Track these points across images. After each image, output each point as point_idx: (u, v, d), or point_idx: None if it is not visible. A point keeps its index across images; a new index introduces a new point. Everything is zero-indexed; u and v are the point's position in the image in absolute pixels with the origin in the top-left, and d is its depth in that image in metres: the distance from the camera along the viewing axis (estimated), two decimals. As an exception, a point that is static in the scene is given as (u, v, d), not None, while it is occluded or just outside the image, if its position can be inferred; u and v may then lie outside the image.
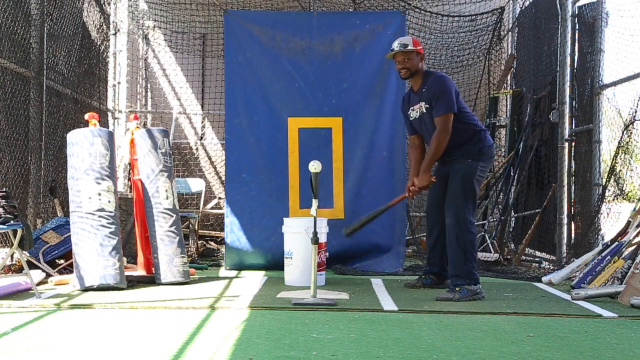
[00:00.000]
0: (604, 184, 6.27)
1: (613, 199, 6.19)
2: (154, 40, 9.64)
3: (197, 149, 9.76)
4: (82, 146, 5.13)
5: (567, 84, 7.06)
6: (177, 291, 5.09)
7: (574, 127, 7.04)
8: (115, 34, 8.78)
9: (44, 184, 6.60)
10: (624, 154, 6.05)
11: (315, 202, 4.74)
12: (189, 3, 8.91)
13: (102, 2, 8.43)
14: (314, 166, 4.72)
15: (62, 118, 7.16)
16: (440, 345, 3.46)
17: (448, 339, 3.62)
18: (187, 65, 9.65)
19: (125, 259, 5.57)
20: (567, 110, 7.07)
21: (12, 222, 4.74)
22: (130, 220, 6.42)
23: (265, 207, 6.57)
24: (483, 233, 7.95)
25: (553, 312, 4.46)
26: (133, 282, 5.35)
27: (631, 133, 5.95)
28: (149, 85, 9.84)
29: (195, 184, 8.79)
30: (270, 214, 6.51)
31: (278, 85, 6.66)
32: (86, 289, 4.99)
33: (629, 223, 5.49)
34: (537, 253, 7.63)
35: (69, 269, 5.63)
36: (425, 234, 5.68)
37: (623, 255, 5.21)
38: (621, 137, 6.05)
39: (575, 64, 7.08)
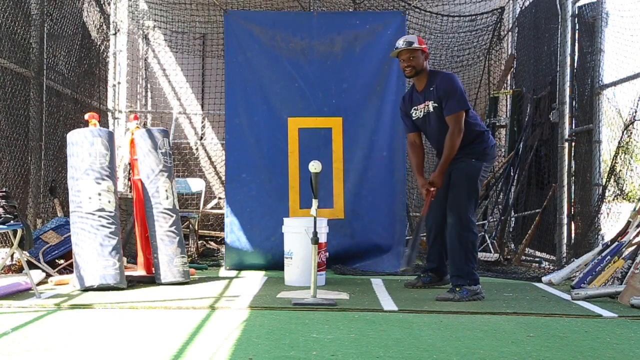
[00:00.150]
0: (604, 184, 6.27)
1: (613, 199, 6.19)
2: (154, 40, 9.63)
3: (197, 149, 9.76)
4: (82, 146, 5.13)
5: (567, 84, 7.06)
6: (177, 291, 5.09)
7: (574, 127, 7.04)
8: (115, 34, 8.78)
9: (44, 184, 6.60)
10: (624, 154, 6.05)
11: (315, 202, 4.74)
12: (189, 3, 8.91)
13: (102, 2, 8.43)
14: (314, 166, 4.72)
15: (62, 118, 7.16)
16: (440, 345, 3.46)
17: (448, 339, 3.62)
18: (187, 65, 9.65)
19: (125, 259, 5.57)
20: (567, 110, 7.07)
21: (12, 222, 4.74)
22: (130, 220, 6.42)
23: (265, 207, 6.57)
24: (483, 233, 7.95)
25: (553, 312, 4.46)
26: (133, 282, 5.35)
27: (631, 133, 5.95)
28: (149, 85, 9.84)
29: (195, 184, 8.79)
30: (270, 214, 6.51)
31: (278, 85, 6.66)
32: (86, 289, 4.99)
33: (629, 223, 5.49)
34: (537, 253, 7.63)
35: (69, 269, 5.63)
36: (425, 234, 5.68)
37: (623, 255, 5.21)
38: (621, 137, 6.05)
39: (575, 64, 7.08)
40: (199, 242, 7.86)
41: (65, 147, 5.32)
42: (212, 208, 9.32)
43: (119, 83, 8.92)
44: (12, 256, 5.49)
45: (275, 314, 4.26)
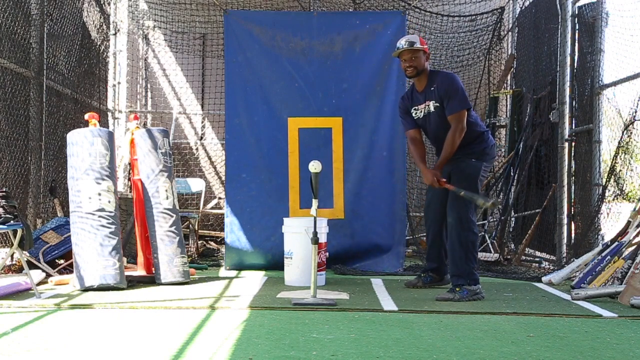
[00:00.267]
0: (604, 184, 6.27)
1: (613, 199, 6.19)
2: (154, 40, 9.64)
3: (197, 149, 9.76)
4: (82, 146, 5.13)
5: (567, 84, 7.06)
6: (177, 291, 5.09)
7: (574, 127, 7.04)
8: (115, 34, 8.78)
9: (44, 184, 6.61)
10: (624, 154, 6.05)
11: (315, 202, 4.74)
12: (189, 3, 8.91)
13: (102, 2, 8.43)
14: (314, 166, 4.72)
15: (62, 118, 7.16)
16: (440, 345, 3.46)
17: (448, 339, 3.62)
18: (187, 65, 9.65)
19: (125, 259, 5.57)
20: (567, 110, 7.07)
21: (12, 222, 4.74)
22: (130, 220, 6.42)
23: (265, 207, 6.57)
24: (483, 233, 7.95)
25: (553, 312, 4.46)
26: (133, 282, 5.35)
27: (631, 133, 5.95)
28: (149, 85, 9.84)
29: (195, 184, 8.79)
30: (270, 214, 6.51)
31: (278, 85, 6.66)
32: (86, 289, 4.99)
33: (629, 223, 5.49)
34: (537, 253, 7.63)
35: (69, 269, 5.63)
36: (424, 234, 5.68)
37: (623, 255, 5.21)
38: (621, 137, 6.05)
39: (575, 64, 7.08)
40: (199, 242, 7.85)
41: (65, 147, 5.32)
42: (212, 208, 9.32)
43: (119, 83, 8.92)
44: (12, 256, 5.49)
45: (275, 314, 4.26)
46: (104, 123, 8.21)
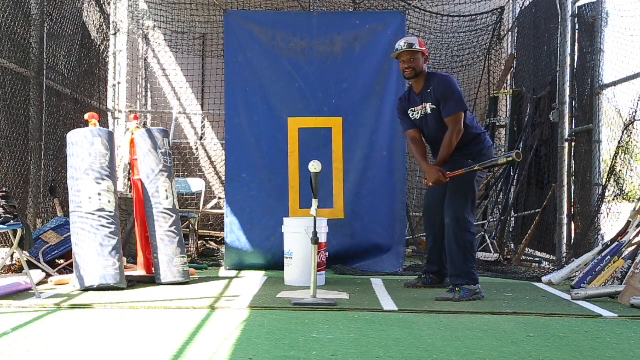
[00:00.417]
0: (604, 184, 6.27)
1: (613, 199, 6.19)
2: (154, 40, 9.64)
3: (197, 149, 9.76)
4: (82, 146, 5.13)
5: (567, 84, 7.06)
6: (177, 291, 5.09)
7: (574, 127, 7.04)
8: (115, 34, 8.78)
9: (44, 184, 6.61)
10: (624, 154, 6.05)
11: (315, 202, 4.74)
12: (189, 3, 8.91)
13: (102, 2, 8.43)
14: (314, 166, 4.72)
15: (62, 118, 7.16)
16: (440, 345, 3.46)
17: (448, 339, 3.62)
18: (187, 65, 9.65)
19: (125, 259, 5.57)
20: (567, 110, 7.06)
21: (12, 222, 4.74)
22: (130, 220, 6.42)
23: (265, 207, 6.57)
24: (483, 233, 7.95)
25: (553, 312, 4.46)
26: (133, 282, 5.35)
27: (631, 133, 5.95)
28: (149, 85, 9.84)
29: (195, 184, 8.79)
30: (270, 214, 6.51)
31: (278, 85, 6.66)
32: (86, 289, 4.99)
33: (629, 223, 5.49)
34: (537, 253, 7.63)
35: (69, 269, 5.63)
36: (424, 234, 5.69)
37: (623, 255, 5.21)
38: (621, 137, 6.05)
39: (575, 64, 7.08)
40: (199, 242, 7.85)
41: (65, 147, 5.32)
42: (212, 208, 9.32)
43: (119, 83, 8.92)
44: (12, 256, 5.49)
45: (275, 314, 4.27)
46: (104, 123, 8.21)
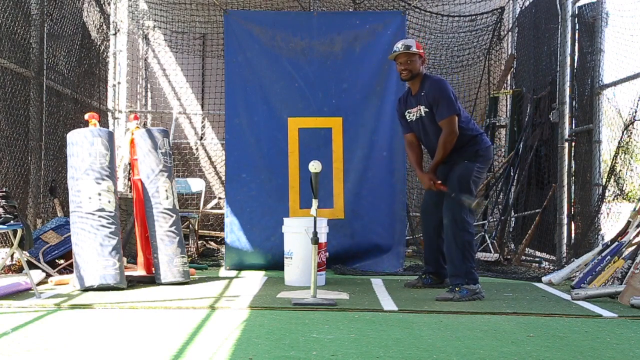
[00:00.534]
0: (604, 184, 6.27)
1: (613, 199, 6.19)
2: (154, 40, 9.63)
3: (197, 149, 9.76)
4: (82, 146, 5.13)
5: (567, 84, 7.06)
6: (177, 291, 5.09)
7: (574, 127, 7.04)
8: (115, 34, 8.78)
9: (44, 184, 6.60)
10: (624, 154, 6.05)
11: (315, 202, 4.74)
12: (189, 3, 8.91)
13: (102, 2, 8.43)
14: (314, 166, 4.72)
15: (62, 118, 7.16)
16: (440, 345, 3.46)
17: (448, 339, 3.62)
18: (187, 65, 9.65)
19: (125, 259, 5.56)
20: (567, 110, 7.06)
21: (12, 222, 4.74)
22: (130, 220, 6.42)
23: (265, 207, 6.57)
24: (483, 233, 7.95)
25: (553, 312, 4.46)
26: (133, 282, 5.35)
27: (631, 133, 5.95)
28: (149, 85, 9.84)
29: (195, 184, 8.79)
30: (270, 214, 6.51)
31: (278, 85, 6.66)
32: (86, 289, 4.99)
33: (629, 223, 5.49)
34: (537, 253, 7.62)
35: (69, 269, 5.63)
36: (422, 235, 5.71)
37: (623, 255, 5.21)
38: (621, 137, 6.05)
39: (575, 64, 7.08)
40: (199, 242, 7.85)
41: (65, 147, 5.32)
42: (212, 208, 9.32)
43: (119, 83, 8.92)
44: (12, 256, 5.49)
45: (275, 314, 4.27)
46: (104, 123, 8.21)
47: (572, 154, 7.05)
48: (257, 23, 6.75)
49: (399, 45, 5.24)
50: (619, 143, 6.07)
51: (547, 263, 7.07)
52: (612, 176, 6.12)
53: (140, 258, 5.70)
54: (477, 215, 7.92)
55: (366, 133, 6.65)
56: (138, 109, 9.51)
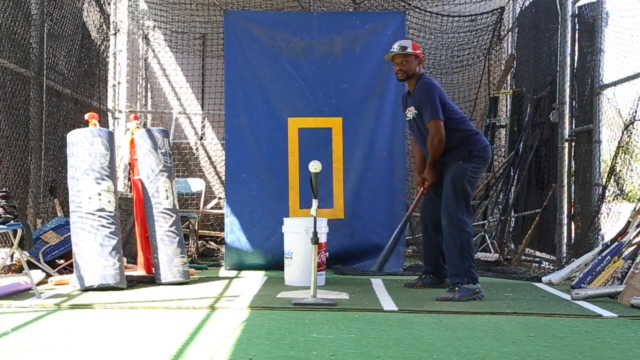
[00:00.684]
0: (604, 184, 6.26)
1: (613, 199, 6.19)
2: (154, 40, 9.63)
3: (197, 149, 9.76)
4: (82, 146, 5.13)
5: (567, 84, 7.06)
6: (177, 291, 5.09)
7: (574, 127, 7.04)
8: (115, 34, 8.78)
9: (44, 184, 6.60)
10: (624, 154, 6.05)
11: (315, 202, 4.74)
12: (189, 3, 8.91)
13: (102, 2, 8.43)
14: (314, 166, 4.72)
15: (62, 118, 7.16)
16: (440, 345, 3.46)
17: (448, 339, 3.62)
18: (187, 65, 9.65)
19: (125, 259, 5.56)
20: (567, 110, 7.06)
21: (12, 222, 4.74)
22: (130, 220, 6.42)
23: (265, 207, 6.57)
24: (483, 233, 7.94)
25: (553, 312, 4.46)
26: (133, 282, 5.35)
27: (631, 133, 5.95)
28: (149, 85, 9.84)
29: (195, 184, 8.79)
30: (270, 214, 6.51)
31: (278, 85, 6.66)
32: (86, 289, 4.99)
33: (629, 223, 5.49)
34: (537, 253, 7.62)
35: (69, 269, 5.63)
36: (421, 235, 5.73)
37: (623, 255, 5.21)
38: (621, 137, 6.05)
39: (575, 64, 7.08)
40: (199, 242, 7.85)
41: (65, 147, 5.32)
42: (212, 208, 9.32)
43: (119, 83, 8.92)
44: (12, 256, 5.49)
45: (275, 314, 4.26)
46: (104, 123, 8.21)
47: (572, 154, 7.05)
48: (257, 23, 6.75)
49: (395, 46, 5.29)
50: (619, 143, 6.06)
51: (547, 263, 7.07)
52: (612, 176, 6.12)
53: (140, 258, 5.70)
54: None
55: (366, 133, 6.65)
56: (138, 109, 9.51)
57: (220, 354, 3.21)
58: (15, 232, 4.76)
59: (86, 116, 5.42)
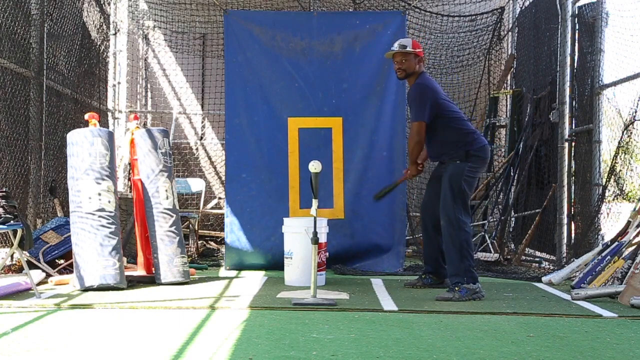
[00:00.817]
0: (604, 184, 6.26)
1: (613, 199, 6.19)
2: (154, 40, 9.63)
3: (197, 149, 9.76)
4: (82, 146, 5.13)
5: (567, 84, 7.06)
6: (177, 291, 5.09)
7: (574, 127, 7.04)
8: (115, 34, 8.78)
9: (44, 184, 6.60)
10: (624, 154, 6.05)
11: (315, 202, 4.74)
12: (189, 3, 8.91)
13: (102, 2, 8.43)
14: (314, 166, 4.73)
15: (62, 118, 7.16)
16: (440, 345, 3.46)
17: (448, 339, 3.62)
18: (187, 65, 9.65)
19: (125, 259, 5.56)
20: (567, 110, 7.06)
21: (12, 222, 4.74)
22: (130, 220, 6.42)
23: (265, 207, 6.57)
24: (483, 233, 7.94)
25: (553, 312, 4.46)
26: (133, 282, 5.35)
27: (631, 133, 5.95)
28: (149, 85, 9.84)
29: (195, 184, 8.79)
30: (270, 214, 6.51)
31: (278, 85, 6.66)
32: (86, 289, 4.99)
33: (629, 223, 5.49)
34: (537, 253, 7.62)
35: (69, 269, 5.63)
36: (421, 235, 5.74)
37: (623, 255, 5.21)
38: (621, 137, 6.05)
39: (575, 64, 7.08)
40: (199, 242, 7.85)
41: (65, 147, 5.32)
42: (212, 208, 9.32)
43: (119, 83, 8.92)
44: (12, 256, 5.49)
45: (275, 314, 4.27)
46: (104, 123, 8.21)
47: (572, 154, 7.05)
48: (257, 23, 6.75)
49: (395, 45, 5.33)
50: (619, 143, 6.06)
51: (547, 263, 7.07)
52: (612, 176, 6.12)
53: (140, 258, 5.70)
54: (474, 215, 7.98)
55: (366, 133, 6.65)
56: (138, 109, 9.51)
57: (220, 354, 3.21)
58: (15, 232, 4.76)
59: (86, 116, 5.42)
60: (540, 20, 8.03)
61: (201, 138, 9.78)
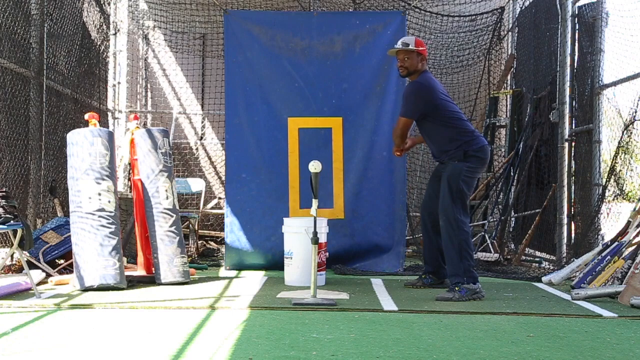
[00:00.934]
0: (604, 184, 6.26)
1: (613, 199, 6.19)
2: (154, 40, 9.63)
3: (197, 149, 9.76)
4: (82, 146, 5.13)
5: (567, 84, 7.06)
6: (177, 291, 5.09)
7: (574, 127, 7.04)
8: (115, 34, 8.78)
9: (44, 184, 6.60)
10: (624, 154, 6.05)
11: (315, 202, 4.74)
12: (189, 3, 8.91)
13: (102, 2, 8.43)
14: (314, 166, 4.73)
15: (62, 118, 7.15)
16: (440, 345, 3.46)
17: (448, 339, 3.62)
18: (187, 65, 9.65)
19: (125, 259, 5.56)
20: (567, 110, 7.06)
21: (12, 222, 4.74)
22: (130, 220, 6.42)
23: (265, 207, 6.57)
24: (483, 233, 7.94)
25: (553, 312, 4.46)
26: (133, 282, 5.35)
27: (631, 133, 5.95)
28: (149, 85, 9.84)
29: (195, 184, 8.79)
30: (270, 214, 6.51)
31: (278, 85, 6.66)
32: (86, 289, 4.99)
33: (629, 223, 5.49)
34: (537, 253, 7.63)
35: (69, 269, 5.63)
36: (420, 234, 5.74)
37: (623, 255, 5.21)
38: (621, 137, 6.05)
39: (575, 64, 7.08)
40: (199, 242, 7.85)
41: (65, 147, 5.32)
42: (212, 208, 9.32)
43: (119, 83, 8.92)
44: (12, 256, 5.49)
45: (275, 314, 4.27)
46: (104, 123, 8.21)
47: (572, 154, 7.05)
48: (257, 23, 6.75)
49: (398, 43, 5.34)
50: (619, 143, 6.06)
51: (547, 263, 7.07)
52: (612, 176, 6.12)
53: (140, 258, 5.70)
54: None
55: (366, 133, 6.65)
56: (138, 109, 9.51)
57: (220, 354, 3.21)
58: (15, 232, 4.76)
59: (86, 116, 5.42)
60: (540, 20, 8.03)
61: (201, 138, 9.78)
